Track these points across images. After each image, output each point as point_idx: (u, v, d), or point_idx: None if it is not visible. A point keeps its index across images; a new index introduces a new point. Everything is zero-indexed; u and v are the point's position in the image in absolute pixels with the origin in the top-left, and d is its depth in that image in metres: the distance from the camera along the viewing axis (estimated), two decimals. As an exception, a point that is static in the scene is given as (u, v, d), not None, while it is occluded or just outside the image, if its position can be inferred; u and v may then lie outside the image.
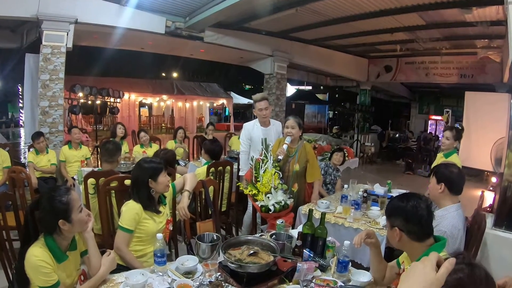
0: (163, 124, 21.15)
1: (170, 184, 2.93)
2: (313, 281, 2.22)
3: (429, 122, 21.47)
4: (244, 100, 23.77)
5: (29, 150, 6.58)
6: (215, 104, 22.26)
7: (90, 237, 2.27)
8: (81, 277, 2.30)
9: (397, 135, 17.68)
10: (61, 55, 7.52)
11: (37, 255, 1.97)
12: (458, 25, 9.05)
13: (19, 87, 25.94)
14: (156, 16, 8.68)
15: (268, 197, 3.75)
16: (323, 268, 2.43)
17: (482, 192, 4.75)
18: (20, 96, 26.81)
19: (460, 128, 10.01)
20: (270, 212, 3.70)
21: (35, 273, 1.96)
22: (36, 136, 6.24)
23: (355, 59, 14.93)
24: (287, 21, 9.57)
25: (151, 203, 2.81)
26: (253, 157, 4.13)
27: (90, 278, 2.23)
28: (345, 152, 6.63)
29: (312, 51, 12.84)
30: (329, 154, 6.20)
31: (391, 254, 3.00)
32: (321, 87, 24.70)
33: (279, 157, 4.03)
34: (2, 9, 7.02)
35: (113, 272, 2.32)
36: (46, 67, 7.42)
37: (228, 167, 4.94)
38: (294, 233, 2.83)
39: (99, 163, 7.59)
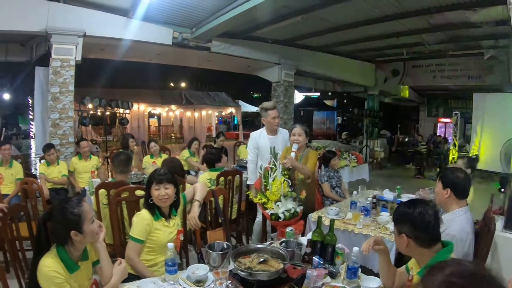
0: (172, 134, 21.25)
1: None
2: (323, 287, 2.23)
3: (438, 125, 21.37)
4: (252, 109, 23.78)
5: (40, 162, 6.68)
6: (223, 113, 22.28)
7: (102, 247, 2.30)
8: (92, 286, 2.34)
9: (406, 139, 17.61)
10: (71, 67, 7.65)
11: (49, 266, 2.01)
12: (463, 27, 9.04)
13: (29, 100, 26.27)
14: (163, 28, 8.77)
15: (278, 205, 3.76)
16: (333, 275, 2.44)
17: (492, 194, 4.72)
18: (30, 109, 27.14)
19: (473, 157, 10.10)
20: (280, 220, 3.71)
21: (48, 283, 2.00)
22: (47, 148, 6.34)
23: (362, 64, 14.89)
24: (293, 29, 9.62)
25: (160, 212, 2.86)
26: (262, 165, 4.15)
27: (102, 287, 2.26)
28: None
29: (319, 58, 12.84)
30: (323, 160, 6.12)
31: (402, 259, 3.00)
32: (329, 93, 24.67)
33: (289, 165, 4.04)
34: (12, 23, 7.17)
35: (125, 281, 2.35)
36: (56, 80, 7.55)
37: (238, 176, 4.96)
38: (304, 240, 2.84)
39: (109, 174, 7.66)
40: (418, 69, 14.73)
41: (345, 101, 25.63)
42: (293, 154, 4.14)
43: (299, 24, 8.75)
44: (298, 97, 22.62)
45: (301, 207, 3.89)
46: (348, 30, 9.65)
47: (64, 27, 7.48)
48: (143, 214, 2.81)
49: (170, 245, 2.42)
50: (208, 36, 9.17)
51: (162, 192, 2.80)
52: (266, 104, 4.94)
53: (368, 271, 2.96)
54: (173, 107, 18.50)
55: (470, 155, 11.34)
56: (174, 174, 3.04)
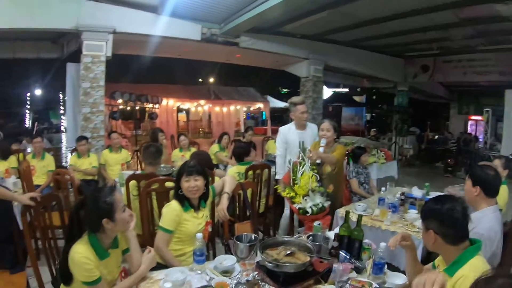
0: (200, 129, 21.37)
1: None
2: (349, 282, 2.23)
3: (469, 122, 20.88)
4: (280, 104, 23.66)
5: (71, 154, 6.87)
6: (251, 108, 22.23)
7: (132, 235, 2.38)
8: (122, 273, 2.41)
9: (436, 136, 17.29)
10: (101, 63, 7.85)
11: (81, 252, 2.08)
12: (493, 21, 8.75)
13: (60, 95, 26.93)
14: (191, 24, 8.86)
15: (306, 200, 3.78)
16: (359, 270, 2.43)
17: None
18: (61, 104, 27.82)
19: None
20: (307, 215, 3.73)
21: (78, 269, 2.07)
22: (80, 139, 6.59)
23: (391, 59, 14.61)
24: (321, 24, 9.53)
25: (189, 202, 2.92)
26: (290, 160, 4.16)
27: (130, 275, 2.33)
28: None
29: (347, 53, 12.68)
30: (351, 155, 6.11)
31: (429, 258, 2.97)
32: (358, 89, 24.41)
33: (315, 158, 4.05)
34: (44, 21, 7.39)
35: (153, 269, 2.40)
36: (87, 75, 7.76)
37: (266, 170, 4.98)
38: (331, 235, 2.85)
39: (138, 166, 7.80)
40: (448, 64, 14.29)
41: (374, 97, 25.34)
42: (321, 149, 4.16)
43: (327, 19, 8.68)
44: (327, 92, 22.45)
45: (329, 202, 3.89)
46: (376, 25, 9.52)
47: (94, 24, 7.69)
48: (173, 205, 2.87)
49: (199, 235, 2.47)
50: (237, 31, 9.20)
51: (192, 184, 2.85)
52: (294, 99, 4.97)
53: (394, 269, 2.94)
54: (202, 102, 18.57)
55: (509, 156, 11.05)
56: (203, 167, 3.08)
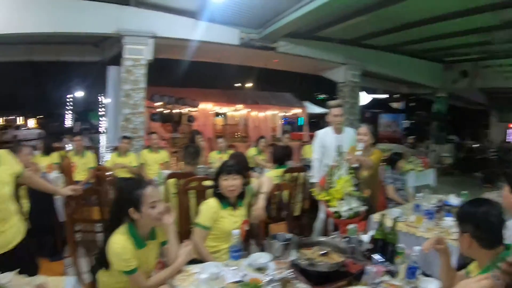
0: (237, 133, 21.51)
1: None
2: (381, 285, 2.24)
3: (509, 131, 20.20)
4: (317, 110, 23.55)
5: (112, 152, 7.15)
6: (288, 114, 22.19)
7: (171, 229, 2.46)
8: (158, 265, 2.52)
9: (475, 145, 16.85)
10: (142, 67, 8.18)
11: (119, 243, 2.21)
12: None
13: (99, 97, 27.81)
14: (229, 29, 9.03)
15: (341, 204, 3.79)
16: (392, 274, 2.43)
17: None
18: (100, 106, 28.71)
19: None
20: (342, 219, 3.74)
21: (116, 258, 2.20)
22: (124, 137, 6.93)
23: (429, 64, 14.29)
24: (359, 28, 9.54)
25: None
26: (327, 164, 4.19)
27: (167, 267, 2.42)
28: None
29: (385, 58, 12.55)
30: (388, 161, 6.06)
31: (465, 267, 2.94)
32: (396, 95, 24.01)
33: (355, 164, 4.06)
34: (88, 26, 7.80)
35: (189, 263, 2.47)
36: (128, 78, 8.08)
37: (303, 173, 5.01)
38: (365, 238, 2.87)
39: (176, 168, 7.97)
40: (489, 69, 13.73)
41: (412, 103, 24.88)
42: (358, 153, 4.16)
43: (365, 23, 8.67)
44: (365, 98, 22.18)
45: (365, 207, 3.89)
46: (416, 29, 9.40)
47: (135, 29, 8.03)
48: (211, 202, 2.96)
49: (236, 231, 2.55)
50: (275, 36, 9.27)
51: (230, 183, 2.93)
52: (331, 102, 5.06)
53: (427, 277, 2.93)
54: (239, 106, 18.69)
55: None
56: (242, 168, 3.15)
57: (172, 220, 2.46)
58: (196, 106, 14.28)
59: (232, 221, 2.96)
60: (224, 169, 2.99)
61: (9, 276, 2.02)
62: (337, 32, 9.73)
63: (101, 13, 7.77)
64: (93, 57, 11.40)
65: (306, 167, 5.87)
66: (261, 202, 3.27)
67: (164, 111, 14.06)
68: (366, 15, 8.07)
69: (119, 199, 2.37)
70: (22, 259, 2.53)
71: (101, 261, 2.33)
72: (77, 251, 2.99)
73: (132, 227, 2.30)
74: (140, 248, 2.31)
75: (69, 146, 8.46)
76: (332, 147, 4.56)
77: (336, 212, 3.78)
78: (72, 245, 2.94)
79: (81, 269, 2.92)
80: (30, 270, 2.32)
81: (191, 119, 14.50)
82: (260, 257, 2.52)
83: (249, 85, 26.87)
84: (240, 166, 3.08)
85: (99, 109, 29.71)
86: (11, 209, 2.60)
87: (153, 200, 2.30)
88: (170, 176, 3.98)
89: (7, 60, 11.42)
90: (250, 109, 18.73)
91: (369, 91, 21.95)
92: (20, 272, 2.11)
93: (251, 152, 7.60)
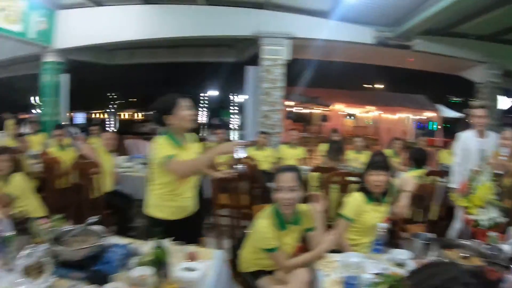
0: (367, 135, 21.14)
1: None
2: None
3: None
4: (452, 114, 22.12)
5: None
6: (421, 117, 21.16)
7: (320, 217, 2.67)
8: (297, 249, 2.72)
9: None
10: (280, 66, 8.66)
11: (262, 223, 2.52)
12: None
13: (231, 96, 29.55)
14: (363, 27, 9.08)
15: (482, 212, 3.66)
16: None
17: None
18: (231, 104, 30.45)
19: None
20: (481, 228, 3.62)
21: (259, 237, 2.52)
22: (262, 132, 7.42)
23: None
24: (500, 22, 8.74)
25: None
26: (468, 168, 4.06)
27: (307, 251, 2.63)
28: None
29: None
30: None
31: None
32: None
33: (498, 171, 3.87)
34: (228, 29, 8.67)
35: (329, 252, 2.60)
36: (267, 77, 8.64)
37: (441, 178, 4.95)
38: (506, 247, 2.77)
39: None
40: None
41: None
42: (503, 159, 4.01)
43: (506, 16, 7.96)
44: (505, 102, 20.32)
45: (506, 219, 3.73)
46: None
47: (272, 31, 8.59)
48: (356, 195, 3.07)
49: (383, 224, 2.65)
50: (410, 33, 9.05)
51: (377, 178, 3.00)
52: (473, 103, 4.87)
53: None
54: (370, 108, 18.38)
55: None
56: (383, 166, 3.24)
57: (320, 208, 2.68)
58: (328, 106, 14.46)
59: (375, 216, 3.01)
60: (373, 164, 3.08)
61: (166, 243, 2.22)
62: (474, 27, 9.04)
63: (239, 17, 8.63)
64: (228, 58, 12.32)
65: (444, 172, 5.75)
66: (404, 200, 3.25)
67: (297, 110, 14.50)
68: (507, 7, 7.43)
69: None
70: (193, 227, 2.98)
71: (242, 242, 2.68)
72: (222, 232, 3.34)
73: (276, 209, 2.58)
74: (281, 230, 2.58)
75: (211, 138, 9.15)
76: (475, 151, 4.41)
77: (475, 220, 3.66)
78: (219, 225, 3.29)
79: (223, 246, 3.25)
80: (194, 239, 2.76)
81: (324, 118, 14.73)
82: (401, 254, 2.58)
83: (379, 86, 26.26)
84: (387, 163, 3.13)
85: (231, 107, 31.41)
86: (195, 181, 3.06)
87: (281, 185, 2.55)
88: (314, 170, 4.22)
89: (152, 62, 12.96)
90: (381, 111, 18.34)
91: (510, 94, 20.08)
92: (188, 241, 2.51)
93: (387, 153, 7.49)
